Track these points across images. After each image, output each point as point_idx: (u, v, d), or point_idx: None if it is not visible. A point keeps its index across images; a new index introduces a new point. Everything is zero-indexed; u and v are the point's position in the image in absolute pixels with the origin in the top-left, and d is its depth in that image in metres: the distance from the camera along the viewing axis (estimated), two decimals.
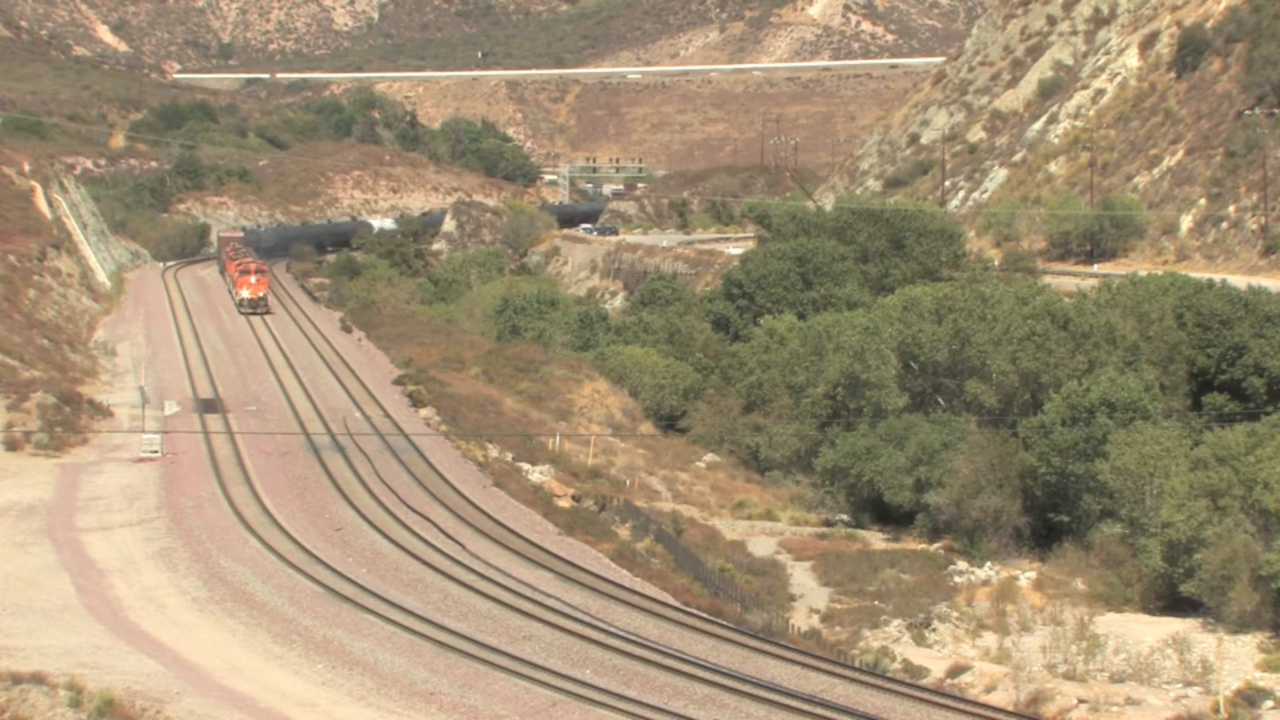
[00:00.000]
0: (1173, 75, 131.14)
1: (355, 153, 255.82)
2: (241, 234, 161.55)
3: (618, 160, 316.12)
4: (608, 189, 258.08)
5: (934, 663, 47.04)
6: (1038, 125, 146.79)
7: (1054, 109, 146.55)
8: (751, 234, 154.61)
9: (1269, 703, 42.25)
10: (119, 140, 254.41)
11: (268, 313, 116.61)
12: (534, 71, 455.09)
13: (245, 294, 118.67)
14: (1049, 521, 65.40)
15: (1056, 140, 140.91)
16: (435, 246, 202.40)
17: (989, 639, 51.62)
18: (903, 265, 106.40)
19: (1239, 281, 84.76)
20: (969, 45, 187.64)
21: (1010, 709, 40.90)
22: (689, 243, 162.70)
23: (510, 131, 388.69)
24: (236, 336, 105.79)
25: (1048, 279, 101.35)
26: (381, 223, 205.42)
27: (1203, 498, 53.33)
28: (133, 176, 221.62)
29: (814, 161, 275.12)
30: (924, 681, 43.93)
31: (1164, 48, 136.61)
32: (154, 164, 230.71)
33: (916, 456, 69.22)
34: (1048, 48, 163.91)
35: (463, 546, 52.91)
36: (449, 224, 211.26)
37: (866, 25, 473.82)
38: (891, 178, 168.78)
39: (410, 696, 38.49)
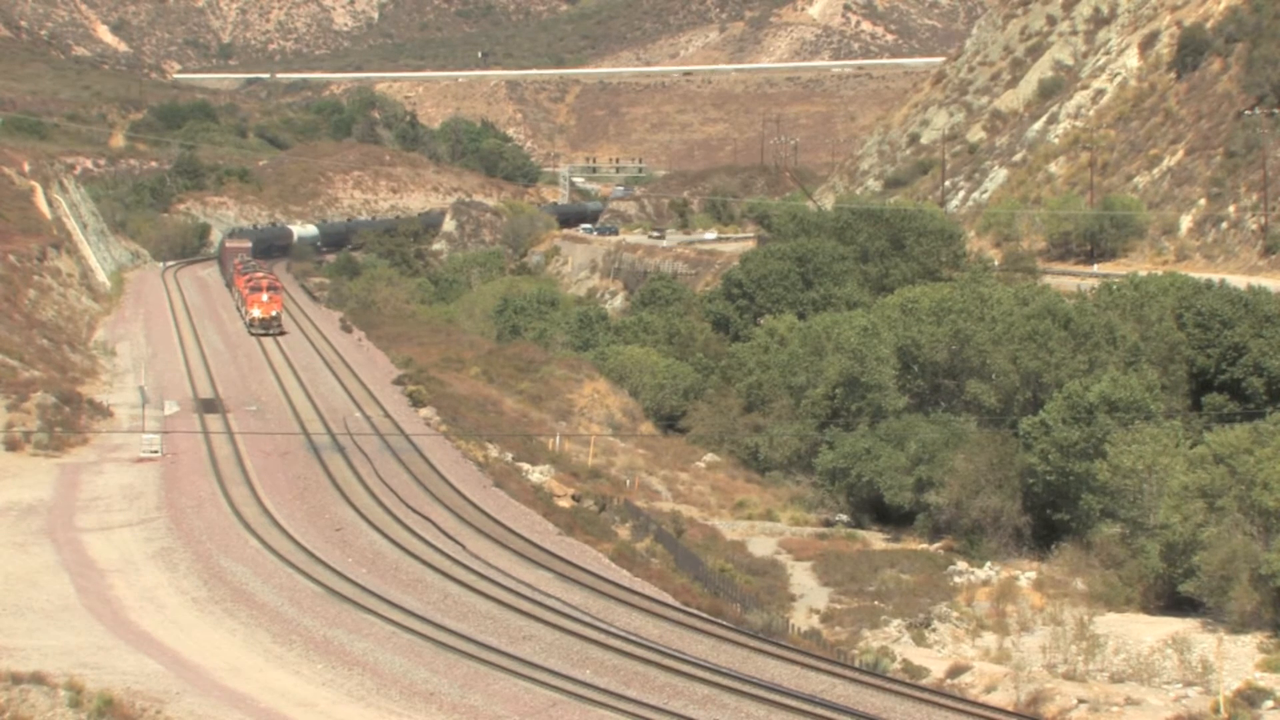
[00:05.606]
0: (1173, 75, 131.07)
1: (355, 153, 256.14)
2: (249, 244, 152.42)
3: (618, 160, 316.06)
4: (638, 190, 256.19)
5: (934, 663, 47.01)
6: (1038, 125, 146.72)
7: (1054, 109, 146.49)
8: (751, 234, 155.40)
9: (1269, 703, 42.21)
10: (119, 140, 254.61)
11: (281, 333, 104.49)
12: (534, 71, 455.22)
13: (256, 313, 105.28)
14: (1049, 521, 65.33)
15: (1056, 140, 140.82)
16: (435, 246, 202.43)
17: (989, 639, 51.59)
18: (903, 265, 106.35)
19: (1239, 281, 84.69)
20: (969, 45, 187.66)
21: (1010, 709, 40.89)
22: (688, 242, 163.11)
23: (510, 131, 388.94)
24: (236, 336, 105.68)
25: (1048, 279, 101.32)
26: (301, 229, 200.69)
27: (1200, 498, 53.29)
28: (133, 176, 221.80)
29: (814, 161, 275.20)
30: (924, 681, 43.91)
31: (1164, 48, 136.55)
32: (154, 164, 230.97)
33: (916, 456, 69.17)
34: (1048, 48, 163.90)
35: (463, 546, 52.90)
36: (449, 224, 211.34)
37: (866, 25, 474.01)
38: (891, 178, 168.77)
39: (410, 696, 38.48)
